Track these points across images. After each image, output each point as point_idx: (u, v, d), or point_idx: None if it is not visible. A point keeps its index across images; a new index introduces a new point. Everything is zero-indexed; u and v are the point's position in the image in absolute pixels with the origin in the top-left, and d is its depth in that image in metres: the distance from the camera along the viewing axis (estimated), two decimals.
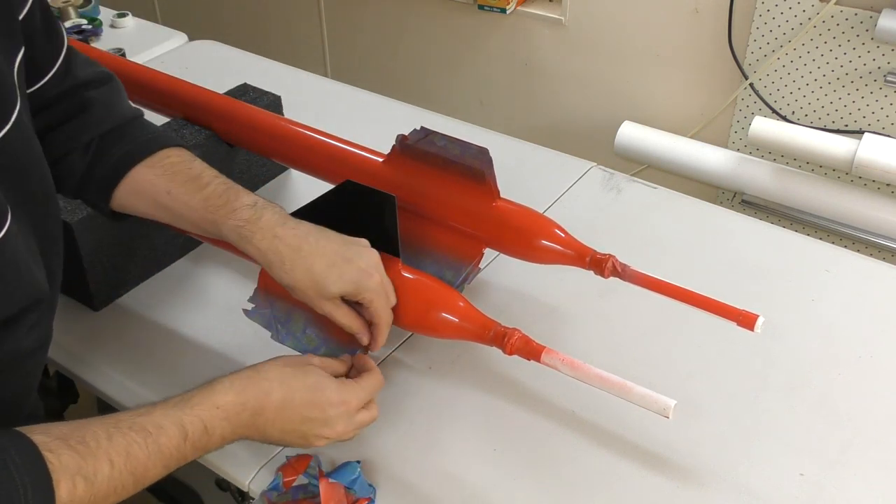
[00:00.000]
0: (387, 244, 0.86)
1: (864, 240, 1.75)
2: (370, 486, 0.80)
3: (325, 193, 0.91)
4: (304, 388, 0.75)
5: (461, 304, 0.84)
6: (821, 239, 1.22)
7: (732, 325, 0.84)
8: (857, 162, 1.61)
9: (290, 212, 0.92)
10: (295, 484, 0.80)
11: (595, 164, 1.24)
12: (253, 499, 0.82)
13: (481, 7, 2.15)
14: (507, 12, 2.12)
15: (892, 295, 1.01)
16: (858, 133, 1.74)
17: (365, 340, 0.84)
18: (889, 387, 0.89)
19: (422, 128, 0.94)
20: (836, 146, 1.65)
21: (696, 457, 0.82)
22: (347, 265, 0.80)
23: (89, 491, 0.62)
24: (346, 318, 0.82)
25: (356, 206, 0.88)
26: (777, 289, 1.01)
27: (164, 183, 0.85)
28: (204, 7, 2.85)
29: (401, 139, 0.96)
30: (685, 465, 0.81)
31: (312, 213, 0.90)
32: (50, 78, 0.82)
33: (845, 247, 1.27)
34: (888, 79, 1.70)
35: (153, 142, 0.88)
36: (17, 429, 0.61)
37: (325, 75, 2.19)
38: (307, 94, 1.41)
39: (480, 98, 2.37)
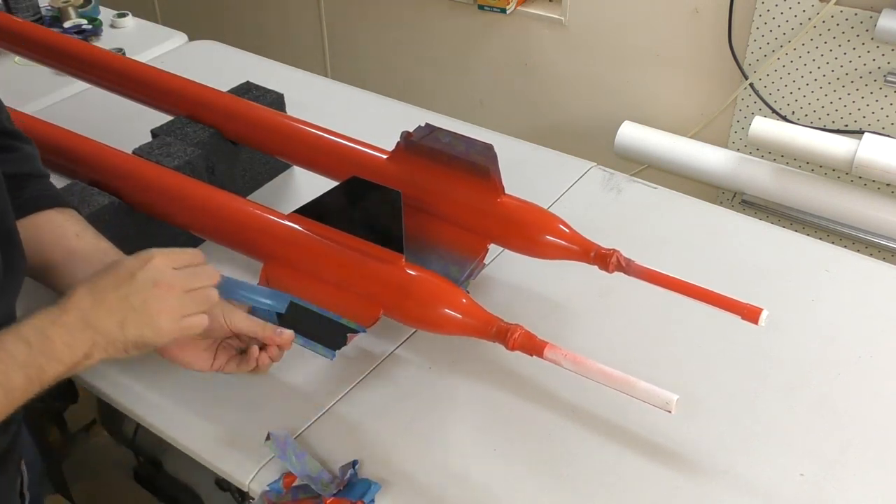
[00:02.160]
0: (391, 240, 0.87)
1: (864, 240, 1.75)
2: (375, 483, 0.80)
3: (330, 190, 0.91)
4: (105, 271, 0.75)
5: (464, 300, 0.85)
6: (821, 239, 1.22)
7: (732, 324, 0.84)
8: (857, 162, 1.61)
9: (294, 209, 0.93)
10: (295, 484, 0.80)
11: (595, 164, 1.24)
12: (253, 499, 0.82)
13: (481, 7, 2.15)
14: (507, 12, 2.12)
15: (892, 295, 1.01)
16: (858, 133, 1.74)
17: (271, 355, 0.85)
18: (889, 387, 0.89)
19: (426, 124, 0.95)
20: (836, 146, 1.65)
21: (696, 456, 0.82)
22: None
23: None
24: (254, 325, 0.83)
25: (361, 203, 0.89)
26: (777, 289, 1.01)
27: (74, 227, 0.86)
28: (204, 7, 2.85)
29: (405, 136, 0.96)
30: (686, 465, 0.81)
31: (317, 209, 0.91)
32: None
33: (845, 247, 1.27)
34: (888, 79, 1.70)
35: (63, 198, 0.90)
36: None
37: (325, 75, 2.18)
38: (307, 94, 1.41)
39: (480, 98, 2.37)
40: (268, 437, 0.82)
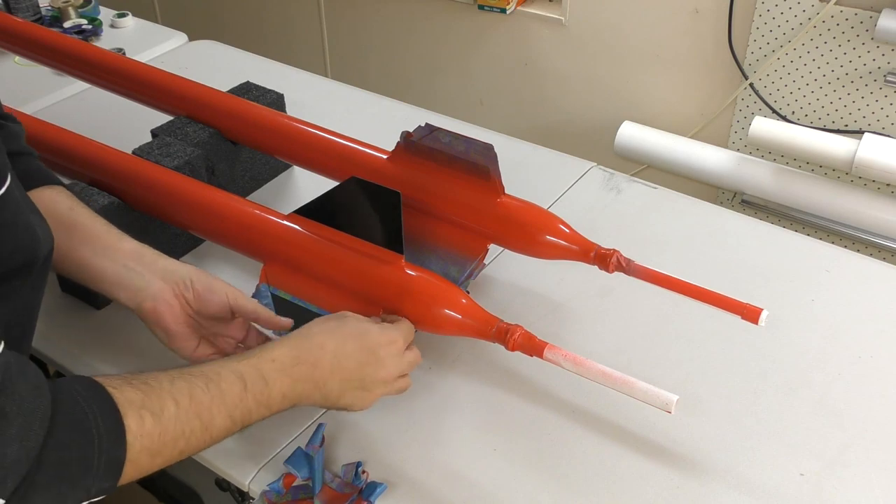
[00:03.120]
0: (391, 240, 0.87)
1: (864, 240, 1.75)
2: (381, 484, 0.80)
3: (330, 190, 0.91)
4: (353, 336, 0.77)
5: (463, 300, 0.85)
6: (821, 239, 1.22)
7: (732, 324, 0.84)
8: (857, 162, 1.61)
9: (294, 210, 0.93)
10: (295, 484, 0.80)
11: (595, 164, 1.24)
12: (253, 499, 0.82)
13: (481, 7, 2.15)
14: (507, 12, 2.12)
15: (892, 295, 1.01)
16: (858, 133, 1.74)
17: (287, 319, 0.84)
18: (889, 387, 0.89)
19: (426, 124, 0.95)
20: (836, 146, 1.65)
21: (696, 456, 0.82)
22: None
23: (157, 427, 0.62)
24: (247, 304, 0.84)
25: (361, 203, 0.89)
26: (777, 289, 1.01)
27: (68, 201, 0.86)
28: (204, 7, 2.85)
29: (405, 136, 0.96)
30: (686, 464, 0.81)
31: (317, 210, 0.91)
32: None
33: (845, 247, 1.27)
34: (888, 79, 1.70)
35: (54, 176, 0.89)
36: (74, 376, 0.62)
37: (325, 75, 2.18)
38: (307, 94, 1.41)
39: (481, 98, 2.37)
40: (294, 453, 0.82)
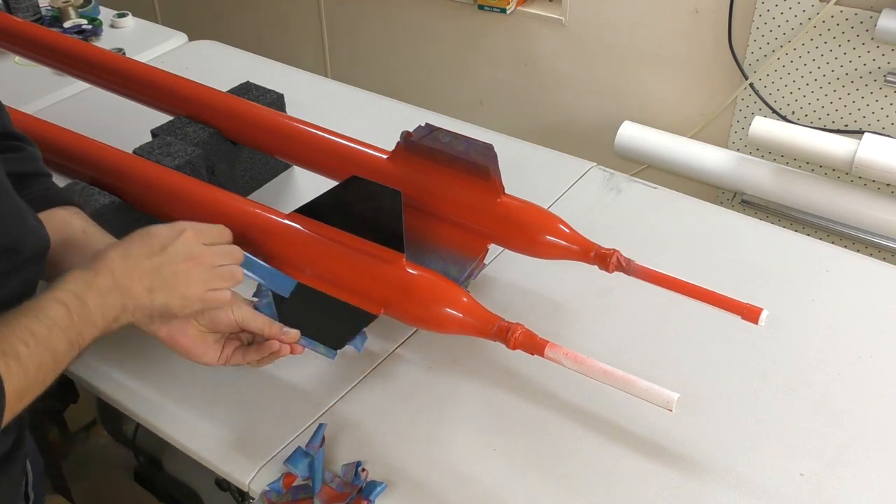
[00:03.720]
0: (392, 240, 0.87)
1: (864, 240, 1.75)
2: (381, 483, 0.80)
3: (330, 190, 0.91)
4: (137, 238, 0.77)
5: (465, 299, 0.85)
6: (821, 239, 1.22)
7: (732, 324, 0.84)
8: (857, 162, 1.61)
9: (294, 209, 0.93)
10: (295, 484, 0.80)
11: (595, 164, 1.24)
12: (253, 499, 0.82)
13: (481, 7, 2.15)
14: (507, 12, 2.12)
15: (892, 295, 1.01)
16: (858, 133, 1.74)
17: (285, 349, 0.84)
18: (889, 387, 0.89)
19: (426, 124, 0.95)
20: (836, 146, 1.65)
21: (696, 456, 0.82)
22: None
23: (21, 369, 0.64)
24: (255, 322, 0.84)
25: (361, 203, 0.89)
26: (777, 289, 1.01)
27: (81, 223, 0.88)
28: (204, 7, 2.85)
29: (405, 136, 0.96)
30: (686, 464, 0.81)
31: (317, 209, 0.91)
32: None
33: (845, 247, 1.27)
34: (888, 79, 1.70)
35: (69, 198, 0.91)
36: None
37: (325, 75, 2.19)
38: (307, 94, 1.41)
39: (480, 98, 2.37)
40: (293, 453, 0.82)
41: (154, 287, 0.76)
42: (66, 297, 0.70)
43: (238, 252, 0.83)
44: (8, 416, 0.64)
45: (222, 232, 0.83)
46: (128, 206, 1.01)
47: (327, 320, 0.87)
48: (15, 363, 0.64)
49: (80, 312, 0.70)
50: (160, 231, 0.78)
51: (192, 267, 0.78)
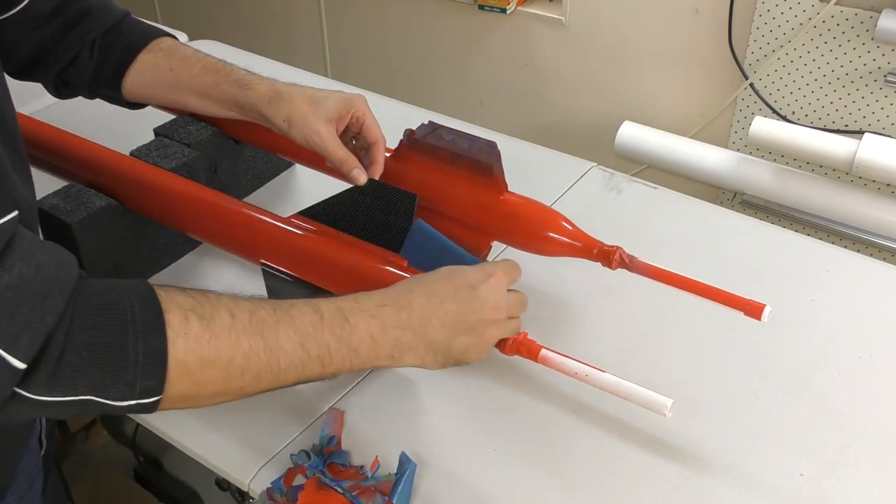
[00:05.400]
0: (398, 243, 0.87)
1: (864, 240, 1.75)
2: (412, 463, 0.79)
3: (342, 192, 0.91)
4: (444, 276, 0.73)
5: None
6: (821, 239, 1.22)
7: (733, 324, 0.84)
8: (857, 162, 1.61)
9: (300, 210, 0.93)
10: (295, 483, 0.80)
11: (595, 164, 1.24)
12: (253, 499, 0.82)
13: (481, 7, 2.15)
14: (507, 12, 2.12)
15: (892, 295, 1.01)
16: (858, 133, 1.74)
17: (362, 178, 0.89)
18: (889, 387, 0.89)
19: (430, 122, 0.95)
20: (836, 146, 1.65)
21: (695, 456, 0.82)
22: (330, 97, 0.91)
23: (206, 331, 0.58)
24: (340, 148, 0.89)
25: (374, 204, 0.89)
26: (777, 289, 1.01)
27: (165, 62, 0.97)
28: (204, 7, 2.85)
29: (408, 134, 0.96)
30: (685, 465, 0.81)
31: (326, 210, 0.91)
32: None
33: (845, 247, 1.27)
34: (888, 79, 1.70)
35: (148, 33, 1.00)
36: None
37: (325, 75, 2.19)
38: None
39: (480, 98, 2.37)
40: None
41: (456, 335, 0.71)
42: (327, 308, 0.66)
43: (525, 299, 0.80)
44: (179, 372, 0.57)
45: (519, 269, 0.80)
46: (124, 208, 1.01)
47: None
48: (199, 323, 0.58)
49: (336, 329, 0.65)
50: (468, 271, 0.74)
51: (498, 318, 0.74)
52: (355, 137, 0.96)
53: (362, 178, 0.89)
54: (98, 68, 0.97)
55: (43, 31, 0.93)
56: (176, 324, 0.57)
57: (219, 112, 0.99)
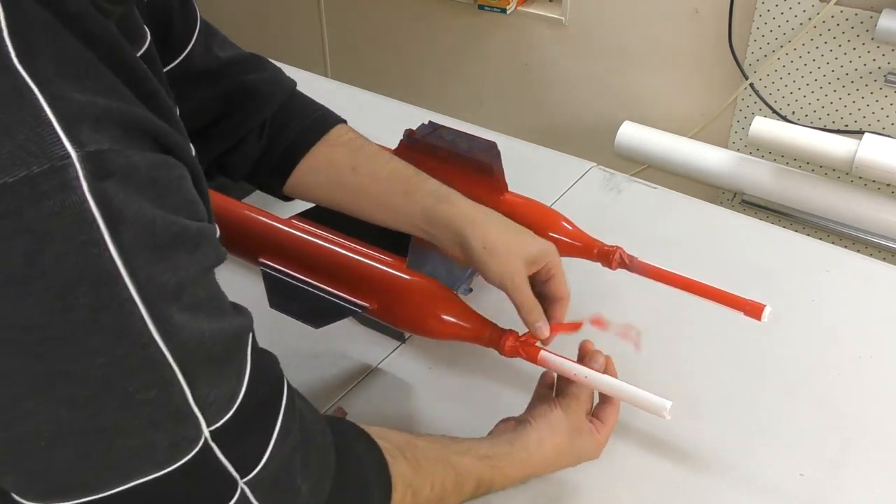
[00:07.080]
0: (400, 245, 0.87)
1: (864, 240, 1.75)
2: None
3: None
4: (569, 431, 0.77)
5: (459, 305, 0.84)
6: (821, 239, 1.22)
7: (733, 324, 0.84)
8: (857, 162, 1.61)
9: (300, 212, 0.93)
10: None
11: (595, 164, 1.25)
12: None
13: (481, 7, 2.15)
14: (507, 12, 2.12)
15: (892, 295, 1.01)
16: (858, 133, 1.74)
17: (545, 331, 0.78)
18: (889, 387, 0.89)
19: (430, 122, 0.95)
20: (836, 146, 1.65)
21: (695, 457, 0.82)
22: (529, 235, 0.80)
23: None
24: (531, 295, 0.77)
25: None
26: (777, 289, 1.01)
27: (348, 160, 0.81)
28: (204, 6, 2.84)
29: (408, 133, 0.96)
30: (686, 464, 0.81)
31: (326, 212, 0.90)
32: (187, 54, 0.78)
33: (845, 247, 1.27)
34: (888, 79, 1.70)
35: (323, 119, 0.85)
36: (353, 424, 0.66)
37: (325, 75, 2.19)
38: (307, 94, 1.41)
39: (480, 98, 2.37)
40: None
41: (558, 465, 0.78)
42: (488, 479, 0.72)
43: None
44: None
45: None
46: None
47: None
48: (411, 498, 0.65)
49: (478, 491, 0.73)
50: (587, 438, 0.77)
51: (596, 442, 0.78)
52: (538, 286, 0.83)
53: (545, 332, 0.78)
54: (265, 155, 0.82)
55: (198, 94, 0.78)
56: (397, 501, 0.64)
57: (399, 226, 0.81)
